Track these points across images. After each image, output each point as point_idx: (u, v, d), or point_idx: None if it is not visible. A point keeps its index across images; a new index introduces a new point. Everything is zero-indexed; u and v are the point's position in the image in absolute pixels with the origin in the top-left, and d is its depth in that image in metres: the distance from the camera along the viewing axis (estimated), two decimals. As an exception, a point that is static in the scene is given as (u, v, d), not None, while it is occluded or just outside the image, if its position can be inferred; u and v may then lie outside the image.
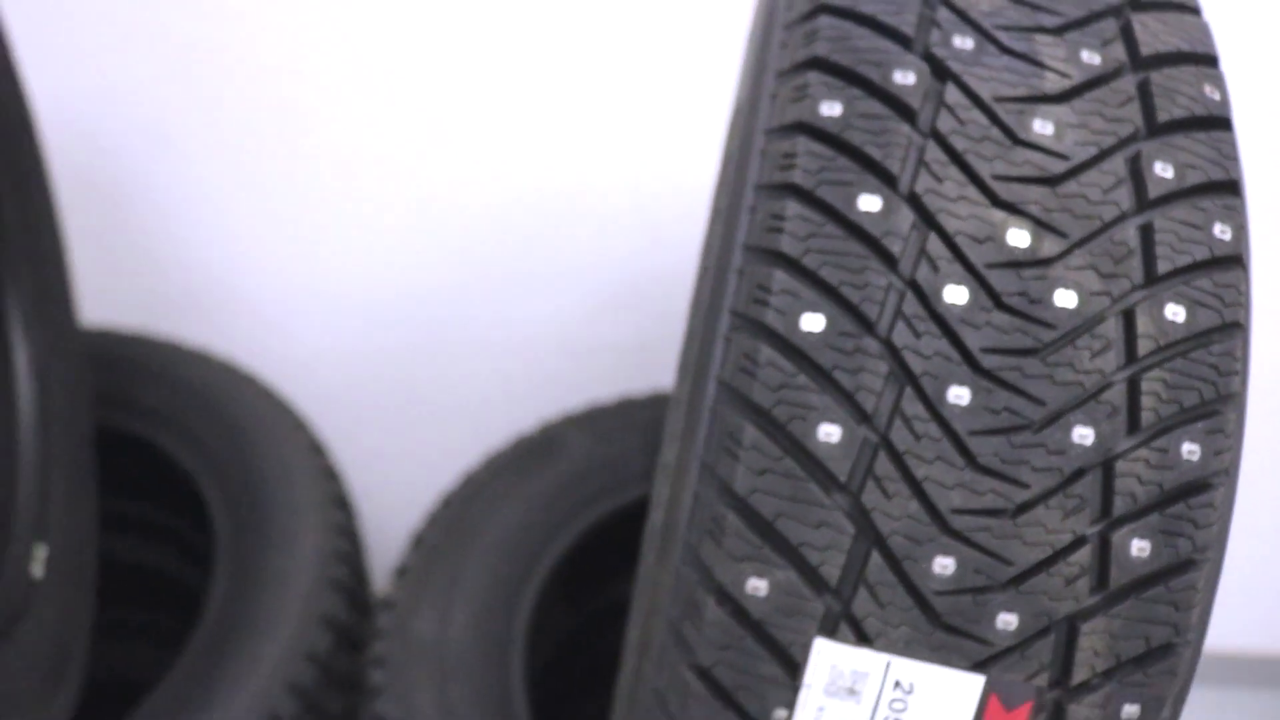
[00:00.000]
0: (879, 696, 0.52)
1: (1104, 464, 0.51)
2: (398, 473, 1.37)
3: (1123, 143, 0.55)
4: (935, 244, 0.52)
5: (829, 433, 0.50)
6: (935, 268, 0.52)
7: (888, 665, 0.51)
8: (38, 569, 0.98)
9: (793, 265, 0.52)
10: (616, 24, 1.24)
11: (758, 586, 0.51)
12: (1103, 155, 0.54)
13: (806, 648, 0.51)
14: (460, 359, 1.40)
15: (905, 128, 0.53)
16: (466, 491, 1.09)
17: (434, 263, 1.36)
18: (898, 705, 0.52)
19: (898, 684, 0.51)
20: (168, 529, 1.25)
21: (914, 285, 0.51)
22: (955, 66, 0.55)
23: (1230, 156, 0.56)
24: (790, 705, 0.51)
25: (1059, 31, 0.57)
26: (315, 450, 1.14)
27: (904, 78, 0.54)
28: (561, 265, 1.36)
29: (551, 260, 1.35)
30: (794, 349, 0.51)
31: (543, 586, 1.04)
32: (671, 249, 1.31)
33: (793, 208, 0.53)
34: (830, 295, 0.51)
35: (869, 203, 0.52)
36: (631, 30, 1.25)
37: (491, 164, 1.31)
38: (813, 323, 0.51)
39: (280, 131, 1.30)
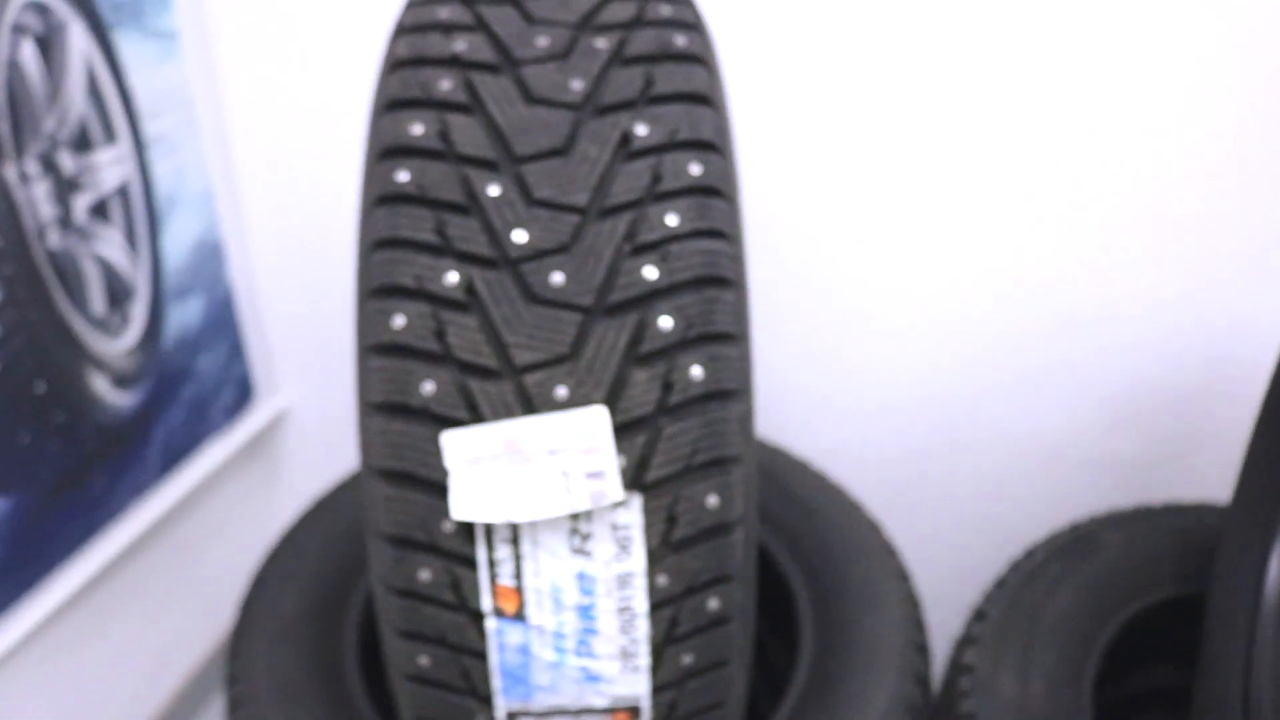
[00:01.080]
0: None
1: None
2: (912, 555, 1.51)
3: None
4: None
5: None
6: None
7: None
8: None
9: None
10: (1133, 143, 1.35)
11: None
12: None
13: None
14: (977, 461, 1.54)
15: None
16: (1017, 577, 1.24)
17: (964, 370, 1.50)
18: None
19: None
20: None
21: None
22: None
23: None
24: None
25: None
26: (875, 528, 1.29)
27: None
28: (1079, 377, 1.48)
29: (1069, 371, 1.48)
30: None
31: (1097, 667, 1.18)
32: (1180, 371, 1.43)
33: None
34: None
35: None
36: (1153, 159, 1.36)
37: (1019, 276, 1.44)
38: None
39: (833, 251, 1.50)
